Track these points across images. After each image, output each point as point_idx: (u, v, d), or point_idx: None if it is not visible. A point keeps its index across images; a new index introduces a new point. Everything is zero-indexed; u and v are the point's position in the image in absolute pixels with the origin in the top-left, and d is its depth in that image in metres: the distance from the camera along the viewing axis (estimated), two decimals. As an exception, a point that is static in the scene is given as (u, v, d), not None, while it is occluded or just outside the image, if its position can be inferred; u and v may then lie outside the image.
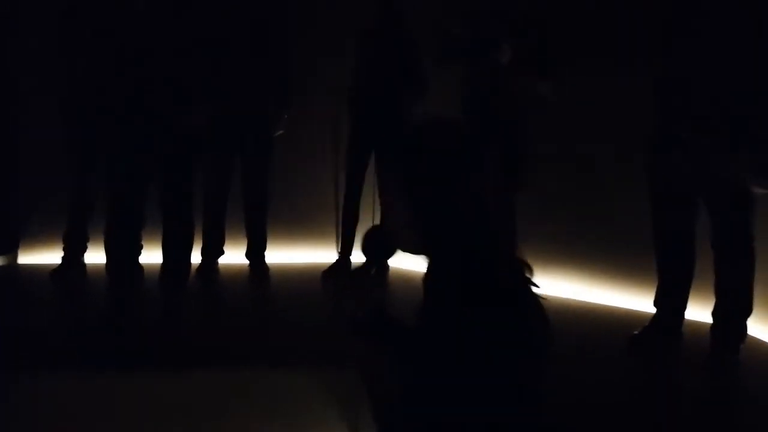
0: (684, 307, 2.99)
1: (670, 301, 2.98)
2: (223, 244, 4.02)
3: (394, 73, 3.80)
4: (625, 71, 3.24)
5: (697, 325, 3.05)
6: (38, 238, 4.15)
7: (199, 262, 3.92)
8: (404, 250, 1.33)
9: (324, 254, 4.26)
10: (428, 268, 1.31)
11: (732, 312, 2.78)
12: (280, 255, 4.26)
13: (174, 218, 3.36)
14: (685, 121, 2.71)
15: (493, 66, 3.36)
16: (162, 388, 2.47)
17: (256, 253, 4.03)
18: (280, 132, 3.97)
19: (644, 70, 2.90)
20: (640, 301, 3.36)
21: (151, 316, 3.28)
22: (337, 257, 4.03)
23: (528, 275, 1.23)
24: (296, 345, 2.83)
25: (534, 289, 1.22)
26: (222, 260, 4.04)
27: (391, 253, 1.37)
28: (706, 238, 2.79)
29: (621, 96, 3.31)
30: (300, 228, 4.41)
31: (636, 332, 2.99)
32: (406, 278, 3.57)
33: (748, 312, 2.77)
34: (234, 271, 4.03)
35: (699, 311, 3.06)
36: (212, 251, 3.98)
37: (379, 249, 1.37)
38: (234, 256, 4.08)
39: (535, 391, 1.17)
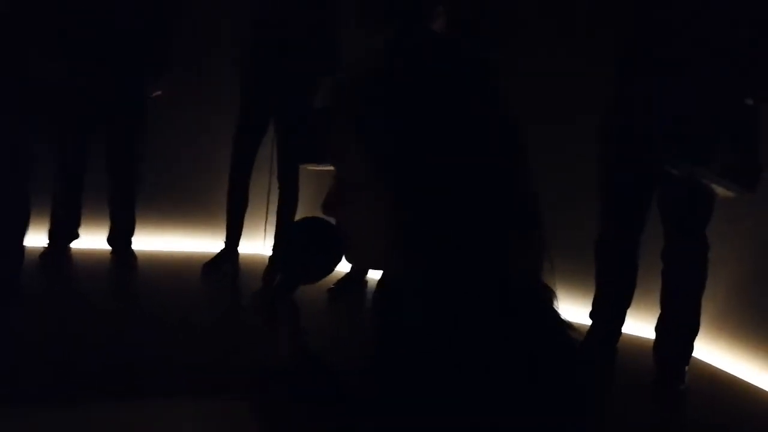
0: (622, 321, 2.67)
1: (607, 314, 2.65)
2: (77, 225, 3.29)
3: (298, 32, 3.17)
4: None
5: (635, 341, 2.74)
6: None
7: (45, 246, 3.19)
8: (357, 263, 0.80)
9: (207, 242, 3.58)
10: (395, 294, 0.80)
11: (679, 330, 2.48)
12: (152, 241, 3.59)
13: None
14: (640, 113, 2.39)
15: (425, 30, 2.84)
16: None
17: (120, 237, 3.32)
18: (158, 93, 3.25)
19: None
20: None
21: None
22: (222, 247, 3.39)
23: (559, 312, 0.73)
24: (166, 360, 2.23)
25: (569, 334, 0.72)
26: (76, 245, 3.32)
27: (333, 266, 0.79)
28: (649, 248, 2.51)
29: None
30: (179, 209, 3.70)
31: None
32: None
33: (695, 330, 2.47)
34: (92, 259, 3.32)
35: (637, 325, 2.76)
36: (63, 234, 3.25)
37: (316, 259, 0.78)
38: (92, 240, 3.37)
39: None
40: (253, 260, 3.52)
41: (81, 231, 3.30)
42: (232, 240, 3.36)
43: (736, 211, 2.54)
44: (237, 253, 3.38)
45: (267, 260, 3.39)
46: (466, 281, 0.70)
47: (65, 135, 3.14)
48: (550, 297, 0.73)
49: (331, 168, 0.80)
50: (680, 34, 2.33)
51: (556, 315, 0.73)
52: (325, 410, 0.87)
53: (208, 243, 3.56)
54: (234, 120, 3.27)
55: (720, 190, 2.31)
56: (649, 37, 2.41)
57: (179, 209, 3.70)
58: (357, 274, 3.17)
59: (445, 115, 0.69)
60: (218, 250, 3.37)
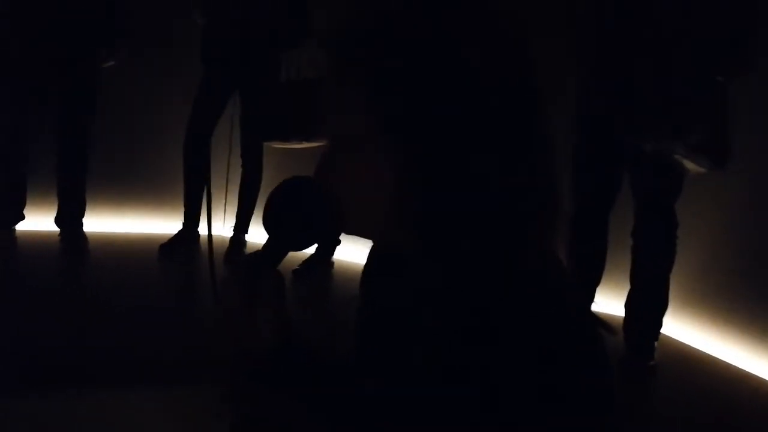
0: (592, 299, 2.67)
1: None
2: (23, 206, 3.11)
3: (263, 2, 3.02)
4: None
5: (605, 318, 2.74)
6: None
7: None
8: (352, 231, 0.70)
9: (165, 223, 3.42)
10: (390, 269, 0.72)
11: (648, 307, 2.49)
12: (104, 222, 3.41)
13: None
14: (613, 90, 2.37)
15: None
16: None
17: (69, 218, 3.13)
18: (111, 63, 3.08)
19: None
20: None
21: None
22: (180, 227, 3.23)
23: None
24: (125, 348, 2.10)
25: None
26: (21, 226, 3.14)
27: (324, 231, 0.70)
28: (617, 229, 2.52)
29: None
30: (133, 187, 3.52)
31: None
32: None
33: (664, 307, 2.49)
34: (39, 242, 3.13)
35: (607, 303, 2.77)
36: (7, 215, 3.07)
37: (302, 228, 0.69)
38: (39, 221, 3.17)
39: None
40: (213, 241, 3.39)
41: (27, 212, 3.12)
42: (191, 220, 3.21)
43: (706, 187, 2.55)
44: (197, 234, 3.24)
45: (228, 242, 3.27)
46: (475, 254, 0.63)
47: (6, 111, 2.95)
48: (560, 273, 0.67)
49: (298, 146, 0.71)
50: (651, 11, 2.32)
51: (567, 292, 0.66)
52: (310, 398, 0.80)
53: (165, 224, 3.41)
54: (193, 94, 3.11)
55: (691, 166, 2.31)
56: (620, 14, 2.39)
57: (134, 188, 3.53)
58: (323, 254, 3.09)
59: (463, 67, 0.62)
60: (176, 231, 3.22)
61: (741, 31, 2.26)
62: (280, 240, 0.70)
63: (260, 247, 0.71)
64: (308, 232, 0.70)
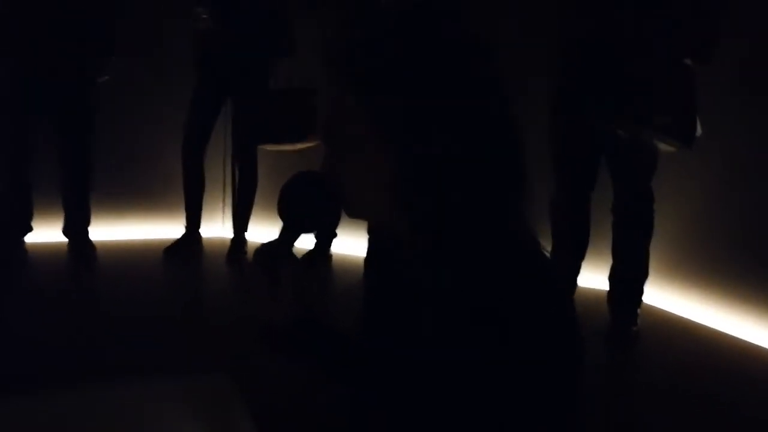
0: (577, 275, 2.82)
1: (563, 269, 2.79)
2: (30, 218, 3.20)
3: (253, 13, 3.15)
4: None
5: (590, 293, 2.90)
6: None
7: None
8: (358, 216, 0.81)
9: (167, 228, 3.55)
10: (390, 249, 0.83)
11: (630, 276, 2.65)
12: (111, 230, 3.54)
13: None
14: (587, 79, 2.50)
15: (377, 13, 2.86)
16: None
17: (76, 229, 3.24)
18: (106, 78, 3.19)
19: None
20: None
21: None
22: (183, 231, 3.37)
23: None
24: (131, 346, 2.21)
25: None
26: (30, 238, 3.24)
27: (332, 221, 0.82)
28: (598, 203, 2.65)
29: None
30: (137, 195, 3.65)
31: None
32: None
33: (645, 275, 2.65)
34: (48, 252, 3.26)
35: (591, 278, 2.92)
36: (16, 227, 3.17)
37: (311, 212, 0.81)
38: (45, 233, 3.29)
39: None
40: (212, 243, 3.52)
41: (34, 223, 3.21)
42: (192, 223, 3.34)
43: (678, 165, 2.71)
44: (199, 236, 3.36)
45: (229, 242, 3.40)
46: (468, 231, 0.73)
47: (11, 125, 3.05)
48: (541, 248, 0.77)
49: (290, 147, 0.82)
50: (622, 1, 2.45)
51: (544, 263, 0.76)
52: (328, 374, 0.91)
53: (167, 229, 3.53)
54: (187, 100, 3.23)
55: (662, 146, 2.46)
56: (592, 3, 2.52)
57: (136, 195, 3.64)
58: (322, 247, 3.22)
59: (447, 73, 0.74)
60: (179, 235, 3.35)
61: (709, 14, 2.39)
62: (293, 225, 0.82)
63: (268, 240, 0.84)
64: (316, 217, 0.82)
